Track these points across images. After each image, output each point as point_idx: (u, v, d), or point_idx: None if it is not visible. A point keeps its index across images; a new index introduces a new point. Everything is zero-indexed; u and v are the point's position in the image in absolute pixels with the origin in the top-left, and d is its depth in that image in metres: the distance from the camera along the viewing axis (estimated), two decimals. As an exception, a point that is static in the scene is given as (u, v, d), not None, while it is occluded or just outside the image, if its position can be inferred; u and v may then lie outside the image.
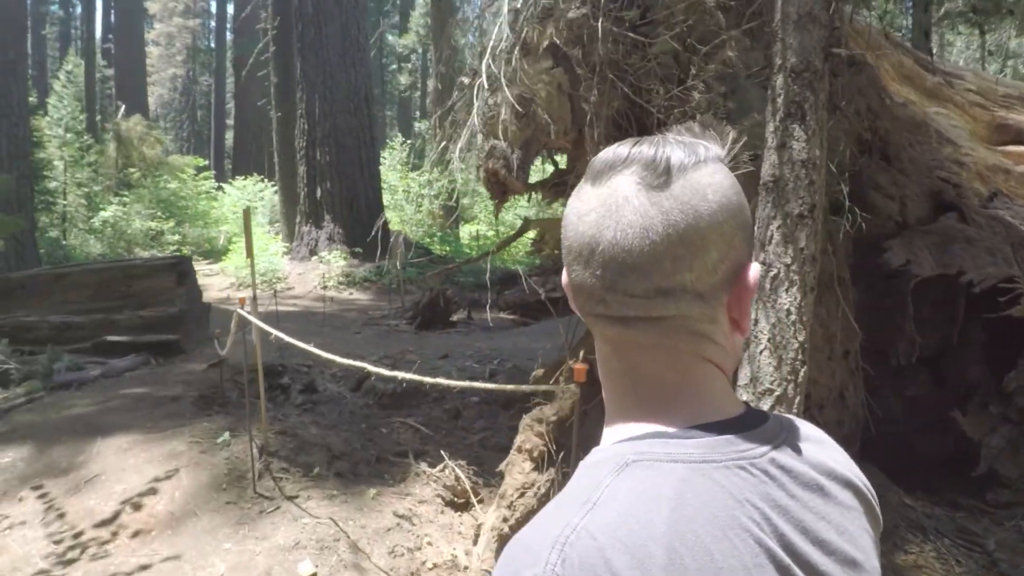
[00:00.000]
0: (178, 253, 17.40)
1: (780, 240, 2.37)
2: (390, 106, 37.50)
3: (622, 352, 0.68)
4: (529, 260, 18.86)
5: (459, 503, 4.06)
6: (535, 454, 3.48)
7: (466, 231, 19.93)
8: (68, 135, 20.43)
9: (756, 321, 2.41)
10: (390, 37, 34.88)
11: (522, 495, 3.35)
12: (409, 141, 23.52)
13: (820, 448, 0.69)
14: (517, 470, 3.47)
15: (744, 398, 2.29)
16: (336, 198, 14.28)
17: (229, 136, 37.37)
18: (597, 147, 3.38)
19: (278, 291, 13.15)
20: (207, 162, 25.76)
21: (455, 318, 10.45)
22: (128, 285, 7.73)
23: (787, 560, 0.60)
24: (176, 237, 18.63)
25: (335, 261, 13.90)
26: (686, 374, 0.66)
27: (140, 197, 19.97)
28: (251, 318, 3.92)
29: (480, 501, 4.03)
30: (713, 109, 3.20)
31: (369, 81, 15.42)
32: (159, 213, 19.49)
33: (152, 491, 3.79)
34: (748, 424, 0.66)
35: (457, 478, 4.08)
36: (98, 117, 28.81)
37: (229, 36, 36.98)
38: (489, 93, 3.28)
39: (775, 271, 2.38)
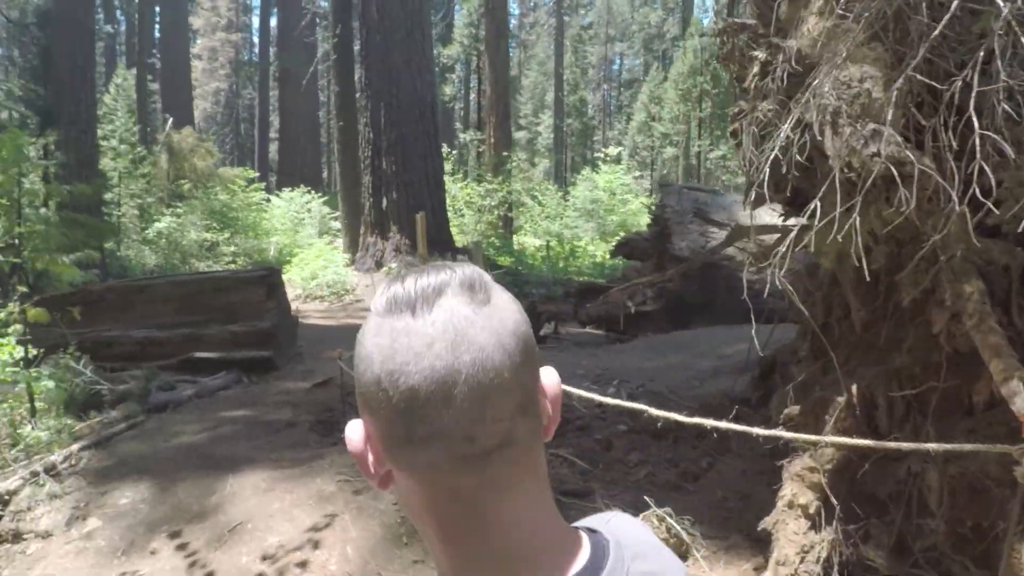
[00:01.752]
0: (233, 265, 16.98)
1: None
2: (431, 120, 37.19)
3: (474, 502, 0.58)
4: (602, 270, 18.17)
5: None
6: (810, 510, 2.78)
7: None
8: (122, 147, 20.22)
9: None
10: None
11: (802, 559, 2.65)
12: (453, 151, 23.05)
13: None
14: (791, 530, 2.77)
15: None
16: (402, 208, 13.71)
17: (272, 148, 37.28)
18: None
19: (347, 303, 12.59)
20: (257, 174, 25.47)
21: (542, 332, 9.78)
22: (215, 298, 7.16)
23: None
24: (231, 248, 18.23)
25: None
26: (542, 520, 0.61)
27: (192, 208, 19.63)
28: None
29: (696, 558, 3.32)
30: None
31: (435, 89, 14.90)
32: (213, 224, 19.13)
33: (313, 543, 3.14)
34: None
35: (669, 529, 3.38)
36: (147, 130, 28.72)
37: (272, 50, 36.91)
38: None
39: None
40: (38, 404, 5.09)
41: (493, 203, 17.77)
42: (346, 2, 15.53)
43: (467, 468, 0.56)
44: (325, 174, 41.39)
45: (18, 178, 5.14)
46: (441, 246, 14.45)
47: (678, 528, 3.40)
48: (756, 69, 2.81)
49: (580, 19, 42.58)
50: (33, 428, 4.45)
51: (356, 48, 14.75)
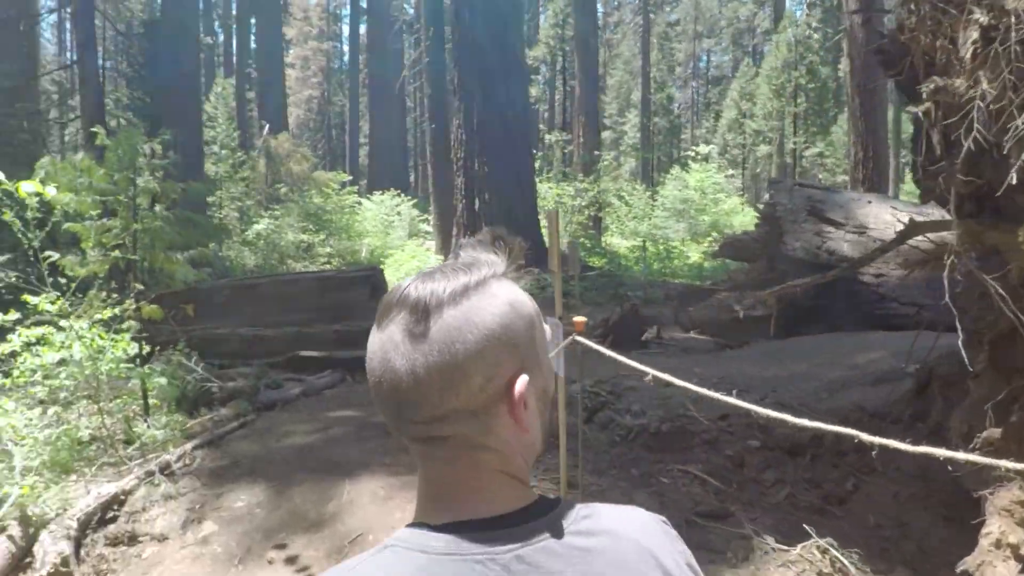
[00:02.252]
0: (328, 265, 17.22)
1: None
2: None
3: (420, 460, 0.75)
4: (699, 272, 17.53)
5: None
6: (1022, 551, 2.32)
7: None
8: (222, 152, 20.91)
9: None
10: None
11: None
12: (539, 152, 22.75)
13: (599, 552, 0.72)
14: (1000, 573, 2.32)
15: None
16: (494, 210, 13.52)
17: (362, 153, 38.01)
18: None
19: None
20: (350, 177, 25.93)
21: (644, 337, 9.34)
22: (320, 297, 7.10)
23: None
24: (327, 249, 18.50)
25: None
26: (464, 479, 0.73)
27: (289, 211, 20.07)
28: (599, 348, 2.98)
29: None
30: None
31: (527, 89, 14.67)
32: (308, 226, 19.50)
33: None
34: (513, 521, 0.71)
35: (833, 562, 2.96)
36: (245, 135, 29.75)
37: (361, 57, 37.65)
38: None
39: None
40: (150, 400, 5.08)
41: (584, 203, 17.40)
42: (437, 6, 15.49)
43: (409, 441, 0.75)
44: (412, 178, 41.97)
45: (133, 176, 5.14)
46: (532, 247, 14.17)
47: (844, 562, 2.97)
48: (975, 35, 2.35)
49: (666, 16, 41.68)
50: (148, 426, 4.40)
51: (448, 51, 14.68)
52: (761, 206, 11.10)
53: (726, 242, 11.19)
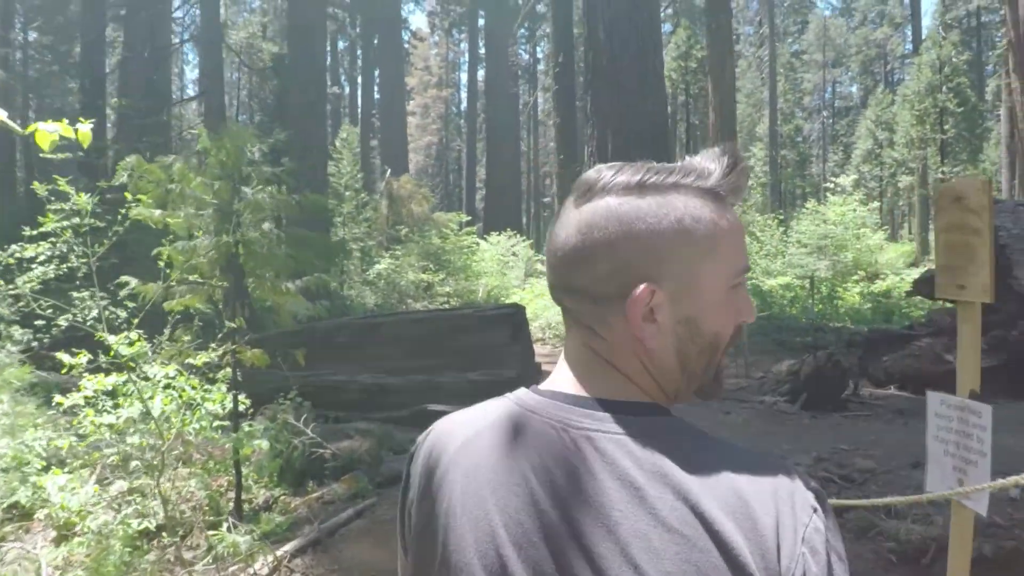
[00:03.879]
0: (447, 305, 16.20)
1: None
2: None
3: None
4: (868, 315, 15.24)
5: None
6: None
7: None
8: (347, 192, 20.63)
9: None
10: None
11: None
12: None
13: (678, 461, 0.67)
14: None
15: None
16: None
17: (477, 196, 37.66)
18: None
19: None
20: (468, 218, 25.31)
21: (844, 394, 7.44)
22: (454, 339, 5.78)
23: (538, 508, 0.67)
24: (446, 289, 17.59)
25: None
26: (574, 355, 0.76)
27: (409, 251, 19.46)
28: None
29: None
30: None
31: (666, 111, 13.17)
32: (428, 266, 18.74)
33: None
34: (605, 407, 0.71)
35: None
36: (369, 178, 29.87)
37: (479, 103, 37.48)
38: None
39: None
40: (246, 469, 3.84)
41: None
42: (566, 32, 14.34)
43: (555, 301, 0.78)
44: (524, 220, 41.22)
45: (237, 185, 4.01)
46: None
47: None
48: None
49: (788, 47, 39.24)
50: (230, 527, 3.09)
51: (583, 78, 13.44)
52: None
53: (925, 277, 9.10)
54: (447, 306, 15.61)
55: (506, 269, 22.29)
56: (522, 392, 0.76)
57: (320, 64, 12.97)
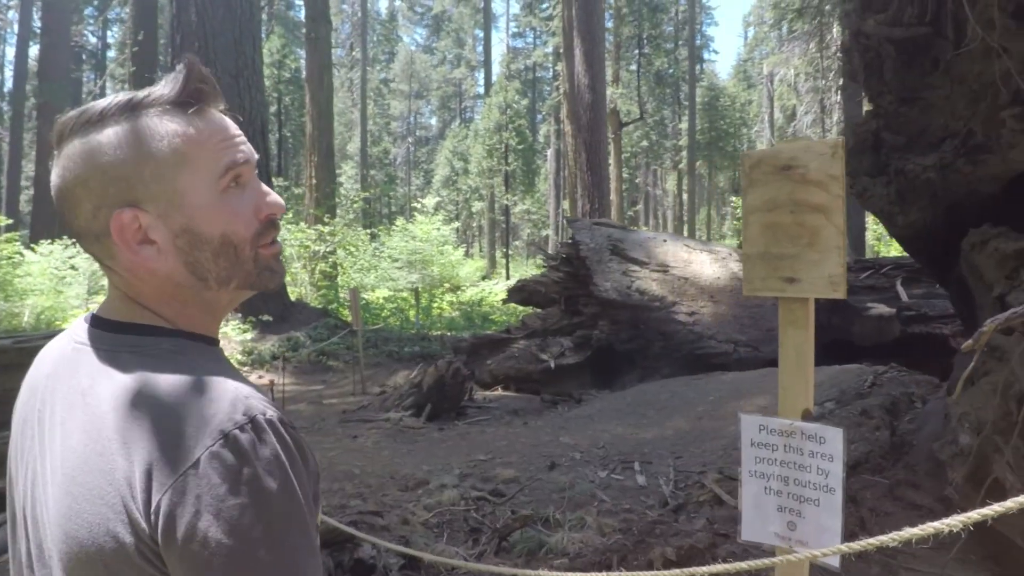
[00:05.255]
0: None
1: None
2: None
3: None
4: (462, 323, 15.94)
5: None
6: None
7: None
8: None
9: None
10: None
11: None
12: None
13: (120, 374, 0.71)
14: None
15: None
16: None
17: (23, 197, 30.71)
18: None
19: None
20: (9, 221, 20.15)
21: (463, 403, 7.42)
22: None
23: (36, 403, 0.79)
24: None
25: (234, 335, 10.20)
26: (109, 288, 0.80)
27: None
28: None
29: None
30: None
31: (266, 110, 12.12)
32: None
33: None
34: (103, 326, 0.78)
35: None
36: None
37: (30, 85, 30.46)
38: None
39: None
40: None
41: (328, 249, 15.02)
42: (149, 9, 12.26)
43: None
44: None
45: None
46: (275, 300, 11.52)
47: None
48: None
49: (378, 73, 40.81)
50: None
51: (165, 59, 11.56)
52: (563, 245, 9.90)
53: (517, 287, 9.82)
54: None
55: (63, 286, 18.24)
56: (76, 321, 0.83)
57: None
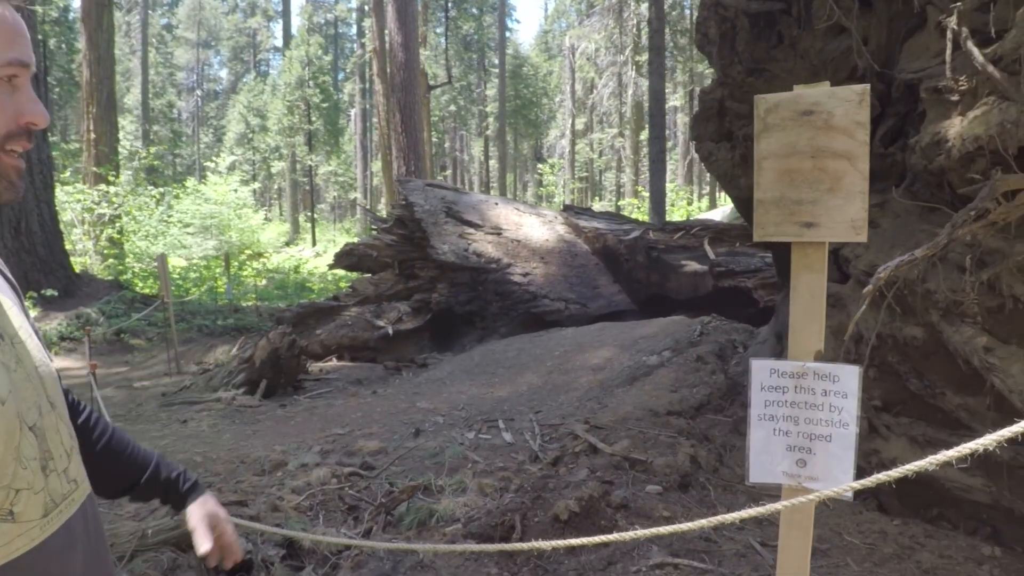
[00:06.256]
0: None
1: None
2: None
3: None
4: (272, 292, 14.85)
5: None
6: None
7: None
8: None
9: None
10: None
11: None
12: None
13: None
14: None
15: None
16: (3, 222, 9.10)
17: None
18: None
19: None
20: None
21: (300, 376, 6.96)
22: None
23: None
24: None
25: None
26: None
27: None
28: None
29: None
30: None
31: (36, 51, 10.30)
32: None
33: None
34: None
35: None
36: None
37: None
38: None
39: None
40: None
41: (114, 212, 13.31)
42: None
43: None
44: None
45: None
46: (57, 272, 10.09)
47: None
48: None
49: (160, 18, 36.43)
50: None
51: None
52: (395, 206, 9.55)
53: (344, 251, 9.39)
54: None
55: None
56: None
57: None
